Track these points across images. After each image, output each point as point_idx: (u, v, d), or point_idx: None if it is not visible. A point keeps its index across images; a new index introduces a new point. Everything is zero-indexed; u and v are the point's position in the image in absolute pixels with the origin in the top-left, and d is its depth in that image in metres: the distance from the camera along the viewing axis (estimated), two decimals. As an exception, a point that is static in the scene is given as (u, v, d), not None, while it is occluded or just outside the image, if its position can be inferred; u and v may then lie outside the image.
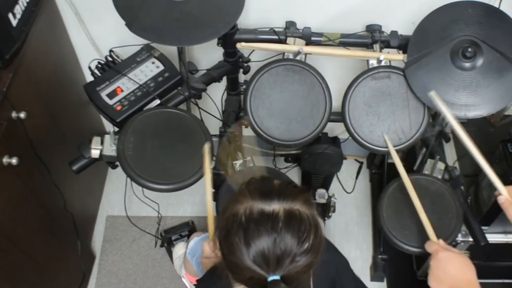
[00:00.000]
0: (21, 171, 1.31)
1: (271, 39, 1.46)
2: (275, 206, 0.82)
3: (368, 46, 1.48)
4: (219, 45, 1.48)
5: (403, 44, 1.44)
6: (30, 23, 1.37)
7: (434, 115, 1.56)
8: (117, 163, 1.30)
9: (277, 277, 0.78)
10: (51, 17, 1.55)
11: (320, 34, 1.47)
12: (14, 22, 1.28)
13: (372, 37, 1.47)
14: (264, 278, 0.79)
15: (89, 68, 1.42)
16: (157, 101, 1.39)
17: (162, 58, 1.44)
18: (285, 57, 1.42)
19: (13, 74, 1.27)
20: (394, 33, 1.47)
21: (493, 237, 1.43)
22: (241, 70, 1.61)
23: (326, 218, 1.99)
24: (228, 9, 1.33)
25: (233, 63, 1.56)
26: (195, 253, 1.55)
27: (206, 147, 1.23)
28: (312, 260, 0.82)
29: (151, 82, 1.39)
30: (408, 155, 1.89)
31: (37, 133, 1.40)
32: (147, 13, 1.27)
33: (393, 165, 1.30)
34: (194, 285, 1.64)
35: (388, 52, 1.45)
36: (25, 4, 1.34)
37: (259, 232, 0.80)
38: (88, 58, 1.47)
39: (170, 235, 1.91)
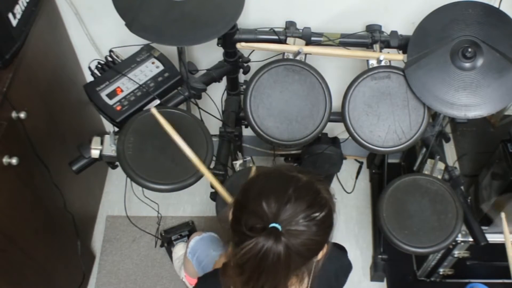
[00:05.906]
0: (21, 171, 1.31)
1: (271, 39, 1.46)
2: (300, 175, 0.87)
3: (368, 46, 1.48)
4: (219, 45, 1.48)
5: (403, 44, 1.44)
6: (30, 23, 1.37)
7: (434, 115, 1.56)
8: (117, 163, 1.31)
9: (278, 226, 0.79)
10: (51, 17, 1.55)
11: (320, 34, 1.47)
12: (14, 22, 1.28)
13: (372, 37, 1.47)
14: (267, 224, 0.80)
15: (89, 68, 1.42)
16: (157, 101, 1.39)
17: (162, 58, 1.44)
18: (285, 57, 1.42)
19: (13, 74, 1.27)
20: (394, 33, 1.47)
21: (493, 237, 1.43)
22: (241, 70, 1.61)
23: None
24: (228, 9, 1.33)
25: (233, 63, 1.56)
26: (196, 252, 1.56)
27: (153, 111, 1.24)
28: (313, 238, 0.83)
29: (151, 82, 1.39)
30: (408, 155, 1.89)
31: (37, 133, 1.40)
32: (147, 13, 1.27)
33: (393, 165, 1.30)
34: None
35: (388, 52, 1.45)
36: (25, 4, 1.33)
37: (277, 181, 0.86)
38: (88, 58, 1.47)
39: (170, 235, 1.91)
